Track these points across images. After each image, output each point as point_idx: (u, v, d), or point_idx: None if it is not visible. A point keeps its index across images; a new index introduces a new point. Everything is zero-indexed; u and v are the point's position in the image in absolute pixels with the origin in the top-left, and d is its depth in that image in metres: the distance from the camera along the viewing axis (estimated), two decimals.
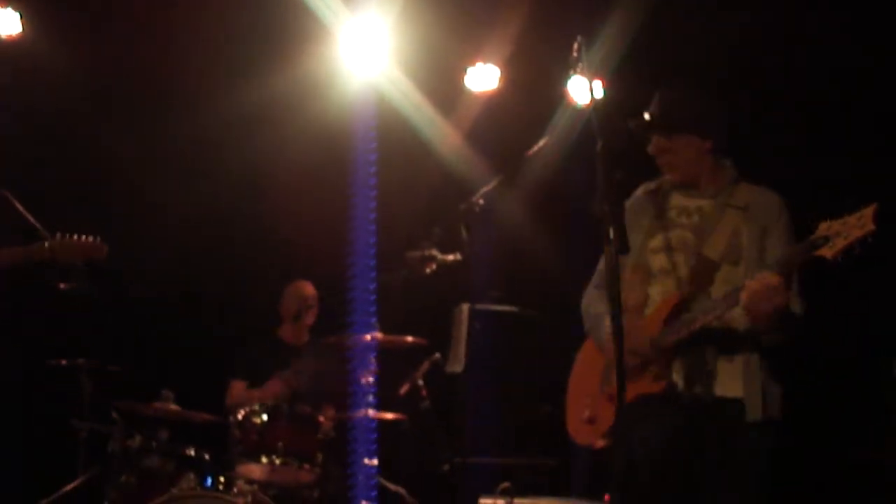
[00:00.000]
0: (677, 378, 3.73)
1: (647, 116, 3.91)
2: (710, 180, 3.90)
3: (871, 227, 3.37)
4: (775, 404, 3.75)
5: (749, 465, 3.72)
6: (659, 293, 3.85)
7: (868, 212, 3.40)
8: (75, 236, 5.14)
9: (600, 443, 3.91)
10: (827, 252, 3.41)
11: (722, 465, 3.70)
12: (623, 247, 3.10)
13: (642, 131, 3.92)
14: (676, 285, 3.81)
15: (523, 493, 5.28)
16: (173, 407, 5.87)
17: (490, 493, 5.32)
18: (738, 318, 3.68)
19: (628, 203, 4.00)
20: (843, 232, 3.41)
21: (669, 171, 3.93)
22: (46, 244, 5.07)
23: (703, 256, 3.79)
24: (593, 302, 4.07)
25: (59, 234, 5.12)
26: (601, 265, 4.09)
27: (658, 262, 3.88)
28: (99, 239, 5.20)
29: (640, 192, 4.06)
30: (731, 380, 3.72)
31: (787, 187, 3.94)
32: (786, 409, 3.77)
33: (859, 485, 5.65)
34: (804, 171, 5.54)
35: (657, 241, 3.90)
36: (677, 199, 3.94)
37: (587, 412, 3.98)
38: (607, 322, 3.79)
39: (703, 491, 3.73)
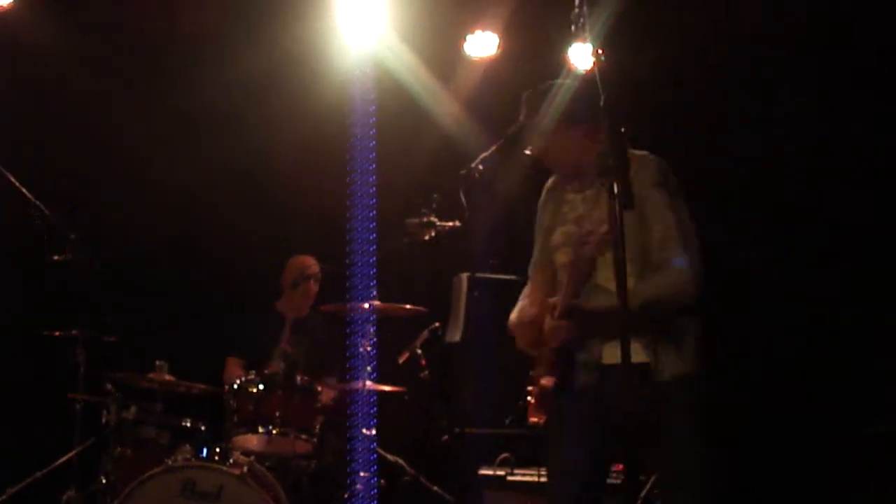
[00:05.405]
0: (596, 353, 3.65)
1: (519, 123, 3.85)
2: (593, 165, 3.43)
3: None
4: (688, 358, 3.58)
5: (679, 419, 3.53)
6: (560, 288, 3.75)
7: None
8: None
9: (534, 419, 3.91)
10: None
11: (658, 427, 3.45)
12: (629, 201, 2.99)
13: (519, 138, 3.86)
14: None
15: (522, 464, 5.24)
16: (168, 378, 5.83)
17: (489, 463, 5.28)
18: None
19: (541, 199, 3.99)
20: None
21: (556, 169, 3.88)
22: None
23: None
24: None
25: None
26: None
27: (560, 258, 3.80)
28: None
29: (548, 184, 3.97)
30: (638, 347, 3.52)
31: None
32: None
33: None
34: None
35: (555, 239, 3.84)
36: (569, 194, 3.85)
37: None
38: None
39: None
